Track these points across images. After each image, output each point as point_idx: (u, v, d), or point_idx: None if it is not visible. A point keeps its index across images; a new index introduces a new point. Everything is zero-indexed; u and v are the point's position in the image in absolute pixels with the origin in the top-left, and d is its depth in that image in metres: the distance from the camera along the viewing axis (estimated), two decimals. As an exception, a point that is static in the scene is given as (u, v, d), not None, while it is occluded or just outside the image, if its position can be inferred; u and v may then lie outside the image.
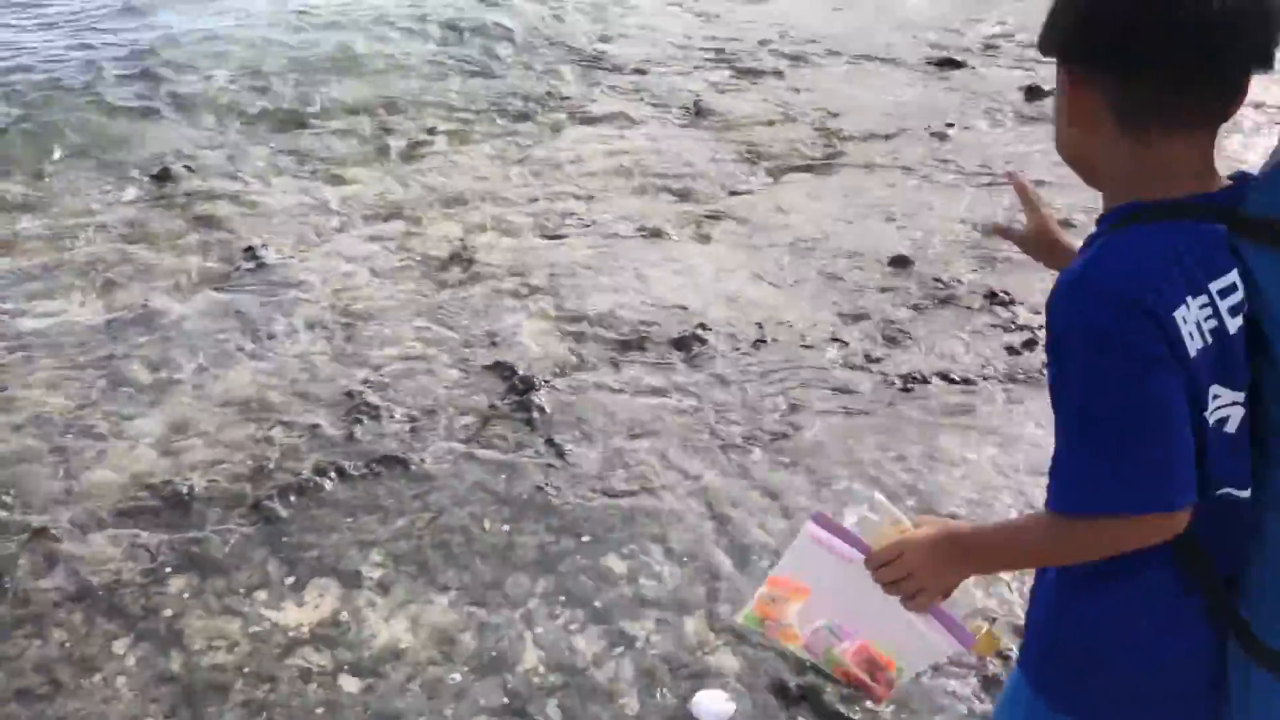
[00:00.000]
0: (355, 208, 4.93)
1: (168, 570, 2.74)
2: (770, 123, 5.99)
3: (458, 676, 2.46)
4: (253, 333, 3.87)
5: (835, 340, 3.80)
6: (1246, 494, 1.20)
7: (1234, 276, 1.16)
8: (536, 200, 5.02)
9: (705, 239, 4.65)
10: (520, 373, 3.58)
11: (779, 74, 6.76)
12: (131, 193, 5.06)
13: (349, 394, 3.49)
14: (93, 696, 2.38)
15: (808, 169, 5.39)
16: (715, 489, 3.05)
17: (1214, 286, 1.15)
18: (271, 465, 3.15)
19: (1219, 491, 1.19)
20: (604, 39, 7.40)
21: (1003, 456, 3.20)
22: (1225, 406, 1.17)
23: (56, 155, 5.42)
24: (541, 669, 2.49)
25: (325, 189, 5.12)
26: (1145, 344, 1.12)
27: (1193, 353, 1.14)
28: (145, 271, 4.33)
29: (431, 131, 5.80)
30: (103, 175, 5.23)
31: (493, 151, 5.59)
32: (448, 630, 2.58)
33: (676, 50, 7.18)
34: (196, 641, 2.53)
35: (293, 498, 2.99)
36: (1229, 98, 1.17)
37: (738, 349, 3.76)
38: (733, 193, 5.11)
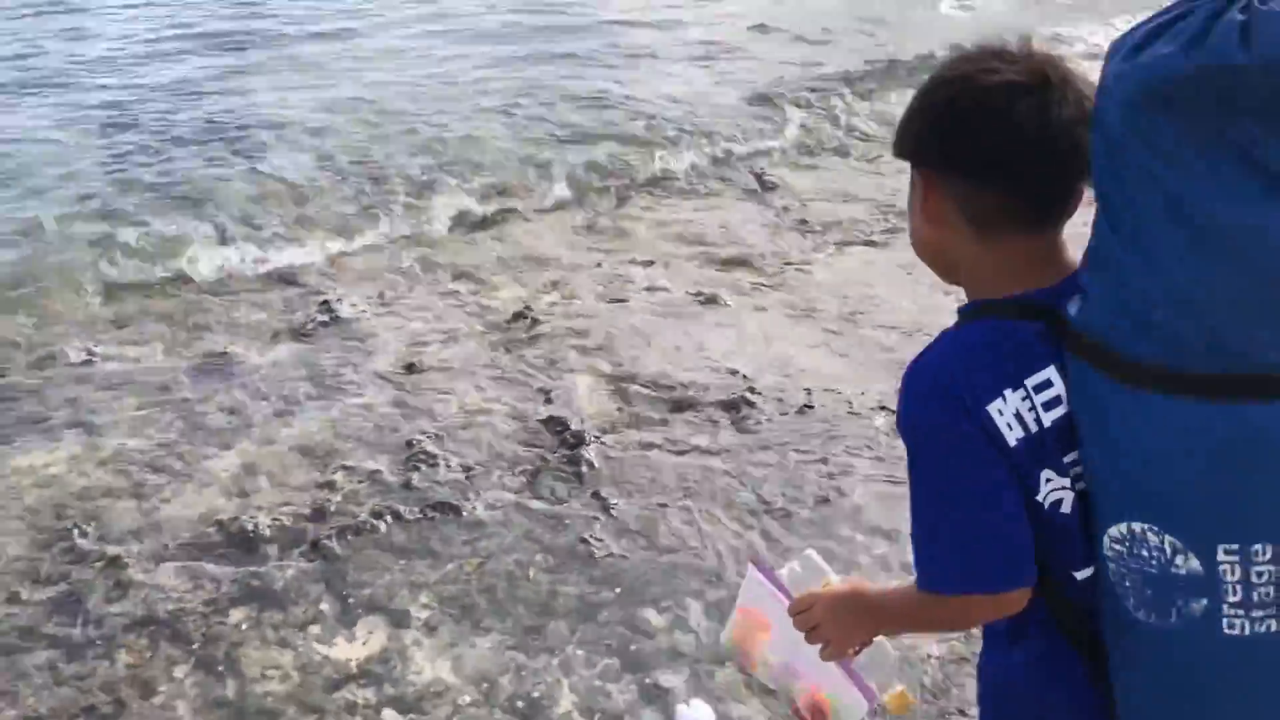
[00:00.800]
0: (428, 268, 5.16)
1: (229, 602, 2.90)
2: (831, 198, 6.13)
3: (496, 717, 2.57)
4: (322, 383, 4.07)
5: (883, 409, 3.88)
6: (1088, 573, 1.24)
7: (1050, 373, 1.21)
8: (600, 265, 5.20)
9: (761, 307, 4.77)
10: (572, 428, 3.71)
11: (844, 153, 6.93)
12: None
13: (409, 443, 3.65)
14: (151, 718, 2.53)
15: (868, 243, 5.52)
16: (754, 551, 3.13)
17: (1030, 382, 1.20)
18: (332, 507, 3.30)
19: (1069, 571, 1.24)
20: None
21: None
22: (1057, 490, 1.22)
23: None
24: (576, 715, 2.58)
25: (402, 252, 5.39)
26: (959, 432, 1.20)
27: (1013, 442, 1.20)
28: (226, 322, 4.59)
29: (503, 193, 6.05)
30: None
31: (562, 218, 5.81)
32: (488, 672, 2.69)
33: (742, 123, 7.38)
34: (251, 670, 2.67)
35: (350, 538, 3.14)
36: (1069, 202, 1.25)
37: (785, 413, 3.86)
38: (789, 263, 5.24)
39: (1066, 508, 1.22)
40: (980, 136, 1.21)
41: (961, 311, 1.31)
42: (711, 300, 4.79)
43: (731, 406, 3.88)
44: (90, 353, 4.33)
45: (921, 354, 1.28)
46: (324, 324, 4.56)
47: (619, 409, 3.89)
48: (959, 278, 1.32)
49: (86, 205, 5.89)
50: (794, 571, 1.64)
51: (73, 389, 4.02)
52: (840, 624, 1.47)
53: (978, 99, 1.21)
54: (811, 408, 3.89)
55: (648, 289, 4.93)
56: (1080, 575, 1.24)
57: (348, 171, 6.40)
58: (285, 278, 5.08)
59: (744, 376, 4.10)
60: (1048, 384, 1.21)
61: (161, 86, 8.00)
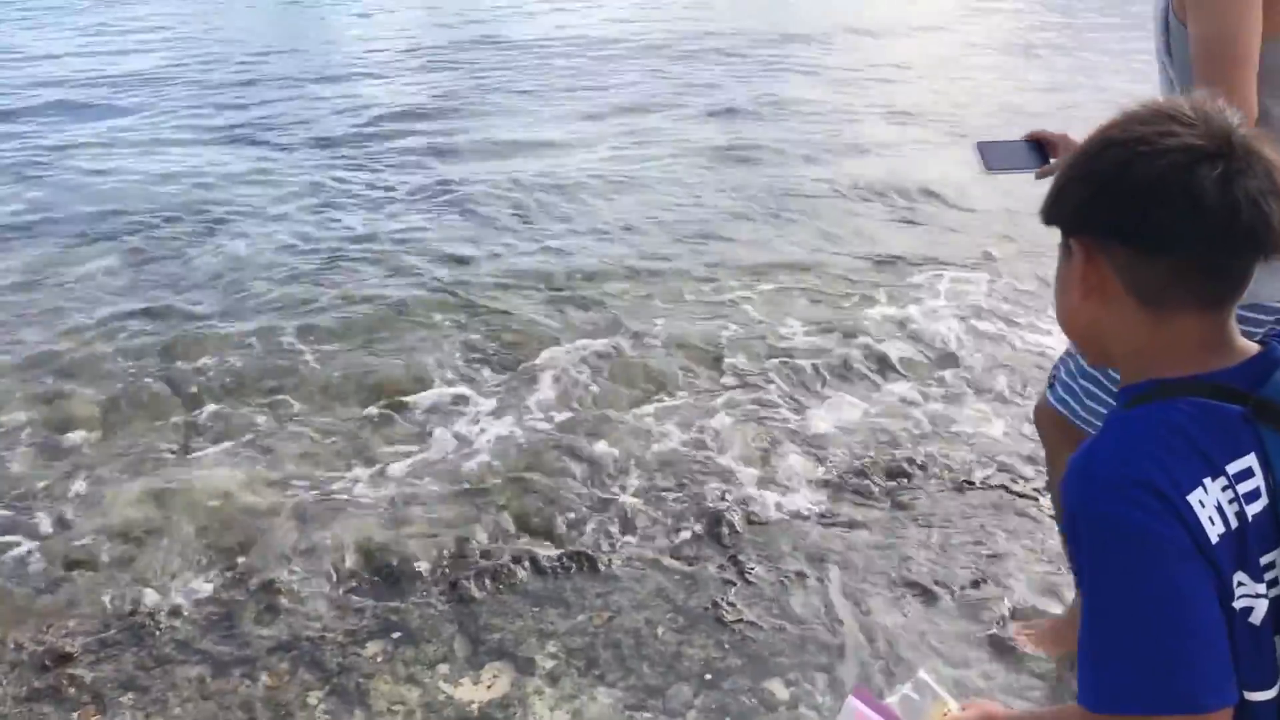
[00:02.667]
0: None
1: (367, 634, 3.00)
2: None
3: (606, 775, 2.56)
4: (477, 414, 4.20)
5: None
6: (1269, 696, 1.11)
7: (1251, 460, 1.10)
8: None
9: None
10: (719, 497, 3.68)
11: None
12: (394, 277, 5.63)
13: (556, 482, 3.71)
14: (281, 739, 2.64)
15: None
16: (891, 631, 3.01)
17: (1232, 469, 1.10)
18: (474, 546, 3.38)
19: (1242, 692, 1.11)
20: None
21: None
22: (1249, 596, 1.10)
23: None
24: (687, 782, 2.54)
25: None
26: (1156, 527, 1.07)
27: (1214, 538, 1.08)
28: (406, 350, 4.81)
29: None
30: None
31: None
32: (604, 729, 2.68)
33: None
34: (379, 703, 2.75)
35: (487, 581, 3.20)
36: (1247, 279, 1.15)
37: (944, 489, 3.71)
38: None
39: (1256, 618, 1.10)
40: (1156, 205, 1.10)
41: (1130, 392, 1.20)
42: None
43: (891, 475, 3.78)
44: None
45: (1095, 441, 1.15)
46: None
47: (772, 468, 3.85)
48: (1116, 358, 1.23)
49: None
50: (907, 699, 1.50)
51: (260, 416, 4.28)
52: None
53: (1154, 163, 1.11)
54: (972, 484, 3.73)
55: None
56: (1259, 698, 1.12)
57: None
58: (468, 306, 5.28)
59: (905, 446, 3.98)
60: (1249, 473, 1.11)
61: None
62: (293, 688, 2.81)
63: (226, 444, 4.04)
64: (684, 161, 8.22)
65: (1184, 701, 1.07)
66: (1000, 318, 5.24)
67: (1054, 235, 1.27)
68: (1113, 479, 1.10)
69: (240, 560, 3.32)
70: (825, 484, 3.76)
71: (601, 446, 3.99)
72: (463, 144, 8.77)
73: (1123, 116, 1.17)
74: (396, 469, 3.86)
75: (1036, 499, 3.64)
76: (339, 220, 6.82)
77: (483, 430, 4.14)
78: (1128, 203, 1.13)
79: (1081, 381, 2.46)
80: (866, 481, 3.76)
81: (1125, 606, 1.09)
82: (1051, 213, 1.22)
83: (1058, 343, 4.48)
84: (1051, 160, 2.63)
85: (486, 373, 4.65)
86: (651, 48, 13.36)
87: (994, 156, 2.66)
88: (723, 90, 10.83)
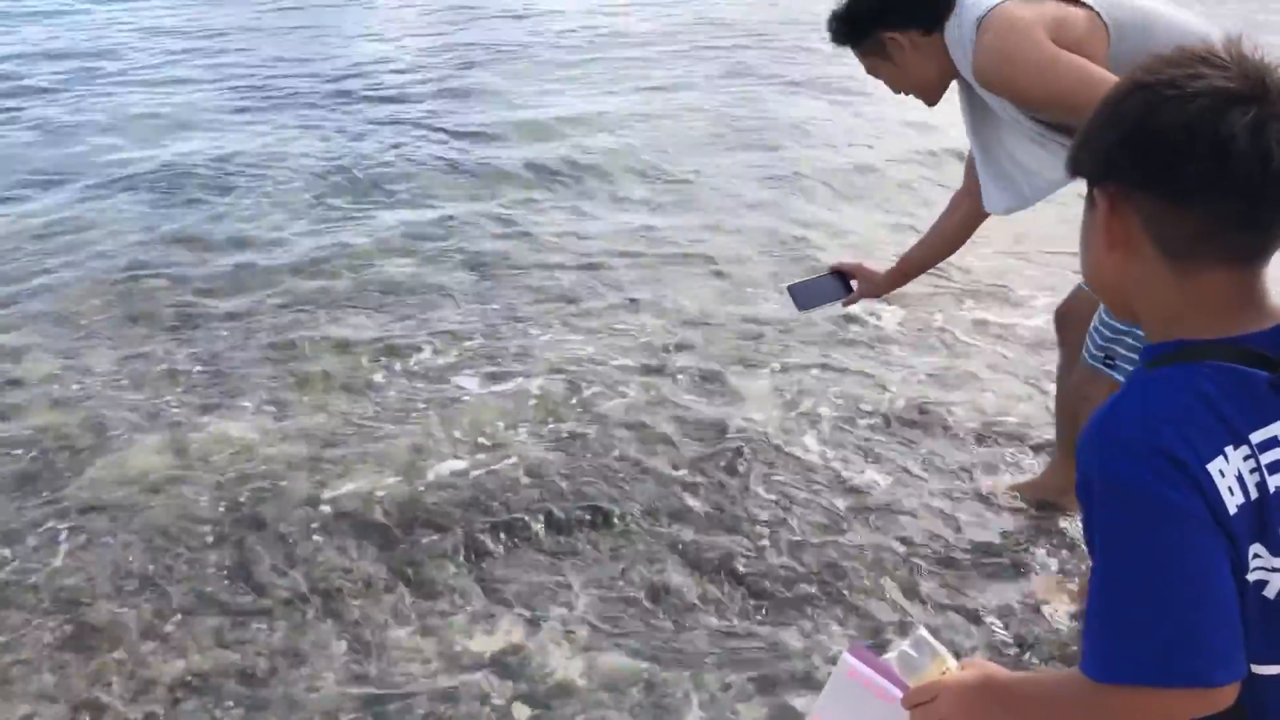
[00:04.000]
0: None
1: (383, 585, 3.01)
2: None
3: (622, 721, 2.58)
4: (494, 367, 4.22)
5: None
6: (1272, 670, 1.09)
7: (1277, 429, 1.07)
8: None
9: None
10: (733, 435, 3.69)
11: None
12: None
13: (572, 436, 3.72)
14: (298, 686, 2.66)
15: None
16: (909, 584, 3.01)
17: (1255, 438, 1.06)
18: (490, 498, 3.39)
19: (1249, 665, 1.08)
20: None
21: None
22: (1264, 570, 1.07)
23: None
24: (700, 731, 2.56)
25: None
26: (1173, 496, 1.03)
27: (1233, 509, 1.04)
28: (421, 307, 4.81)
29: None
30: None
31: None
32: (619, 680, 2.69)
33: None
34: (394, 652, 2.77)
35: (501, 532, 3.22)
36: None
37: (961, 440, 3.71)
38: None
39: (1271, 591, 1.08)
40: (1184, 151, 1.05)
41: (1154, 351, 1.15)
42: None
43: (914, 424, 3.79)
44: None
45: (1115, 403, 1.11)
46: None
47: (788, 417, 3.85)
48: (1139, 314, 1.18)
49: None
50: (905, 655, 1.45)
51: (270, 368, 4.29)
52: (971, 716, 1.28)
53: (1181, 108, 1.05)
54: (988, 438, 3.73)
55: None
56: (1266, 671, 1.10)
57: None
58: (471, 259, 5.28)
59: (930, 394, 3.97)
60: (1274, 443, 1.07)
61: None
62: (310, 636, 2.83)
63: (242, 399, 4.05)
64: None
65: (1193, 676, 1.04)
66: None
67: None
68: (1131, 445, 1.07)
69: (258, 510, 3.34)
70: (847, 434, 3.76)
71: (615, 402, 3.99)
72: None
73: (1153, 59, 1.12)
74: (411, 424, 3.86)
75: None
76: (356, 181, 6.80)
77: (496, 384, 4.14)
78: (1153, 149, 1.08)
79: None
80: (885, 433, 3.76)
81: (1136, 576, 1.05)
82: (1076, 161, 1.18)
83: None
84: (854, 285, 3.03)
85: (503, 329, 4.64)
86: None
87: (804, 297, 2.99)
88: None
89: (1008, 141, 2.60)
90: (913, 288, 3.49)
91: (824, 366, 4.27)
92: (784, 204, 6.44)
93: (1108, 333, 2.61)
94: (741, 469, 3.53)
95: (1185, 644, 1.03)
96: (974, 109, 2.64)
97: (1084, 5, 2.36)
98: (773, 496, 3.41)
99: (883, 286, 3.04)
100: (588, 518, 3.30)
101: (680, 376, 4.20)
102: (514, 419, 3.88)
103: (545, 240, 5.77)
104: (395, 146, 7.44)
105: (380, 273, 5.28)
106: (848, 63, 2.88)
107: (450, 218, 6.06)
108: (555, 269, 5.33)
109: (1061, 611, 2.88)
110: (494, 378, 4.20)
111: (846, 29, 2.62)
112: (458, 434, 3.78)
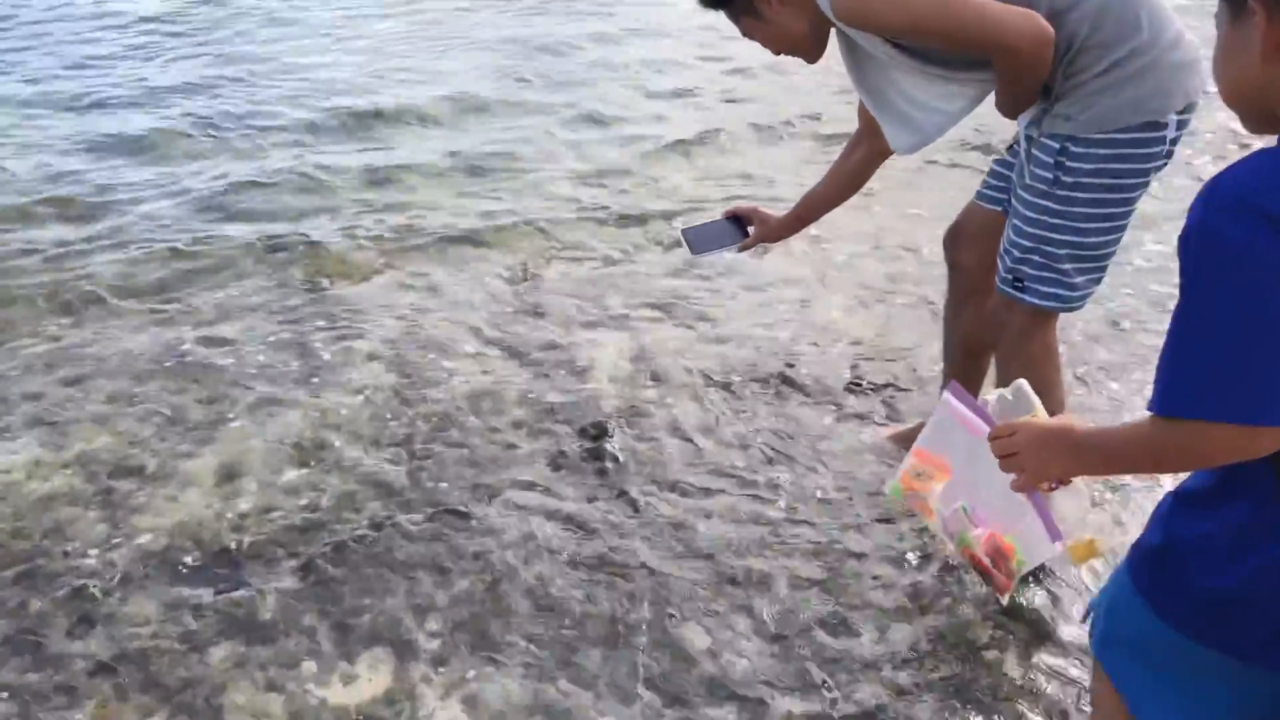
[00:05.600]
0: (423, 229, 4.73)
1: (209, 636, 2.52)
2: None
3: (520, 767, 2.21)
4: (312, 366, 3.67)
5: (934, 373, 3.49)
6: None
7: None
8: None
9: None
10: (592, 413, 3.32)
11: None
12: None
13: (409, 435, 3.26)
14: (119, 785, 2.17)
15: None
16: (810, 551, 2.75)
17: None
18: (325, 516, 2.92)
19: None
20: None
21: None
22: None
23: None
24: (613, 762, 2.23)
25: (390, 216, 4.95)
26: (1260, 248, 1.10)
27: None
28: (206, 291, 4.18)
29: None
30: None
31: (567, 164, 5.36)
32: (508, 713, 2.32)
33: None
34: (238, 719, 2.30)
35: (346, 554, 2.76)
36: None
37: (826, 396, 3.47)
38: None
39: None
40: None
41: None
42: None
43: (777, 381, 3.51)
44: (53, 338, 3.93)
45: (1231, 166, 1.17)
46: (311, 298, 4.15)
47: (647, 385, 3.50)
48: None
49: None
50: (1002, 399, 1.56)
51: (34, 381, 3.62)
52: (1041, 454, 1.44)
53: None
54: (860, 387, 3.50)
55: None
56: None
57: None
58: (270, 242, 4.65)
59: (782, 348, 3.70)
60: None
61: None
62: (127, 714, 2.32)
63: (8, 421, 3.39)
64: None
65: (1240, 411, 1.14)
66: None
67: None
68: (1230, 199, 1.13)
69: (40, 564, 2.75)
70: (715, 398, 3.46)
71: (454, 386, 3.55)
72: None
73: None
74: (218, 434, 3.32)
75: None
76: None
77: (314, 379, 3.62)
78: None
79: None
80: (752, 390, 3.48)
81: (1208, 315, 1.14)
82: None
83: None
84: (750, 230, 2.91)
85: (315, 316, 4.10)
86: None
87: (699, 241, 2.90)
88: None
89: (901, 81, 2.43)
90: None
91: (679, 323, 3.96)
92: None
93: (1016, 253, 2.44)
94: (609, 446, 3.18)
95: (1239, 381, 1.14)
96: (855, 56, 2.48)
97: None
98: (647, 468, 3.08)
99: (779, 230, 2.92)
100: (441, 522, 2.89)
101: (524, 350, 3.79)
102: (341, 420, 3.38)
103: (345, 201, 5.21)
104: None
105: (155, 265, 4.61)
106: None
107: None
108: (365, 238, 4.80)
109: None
110: (312, 372, 3.67)
111: None
112: (276, 444, 3.26)
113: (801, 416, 3.36)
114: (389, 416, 3.38)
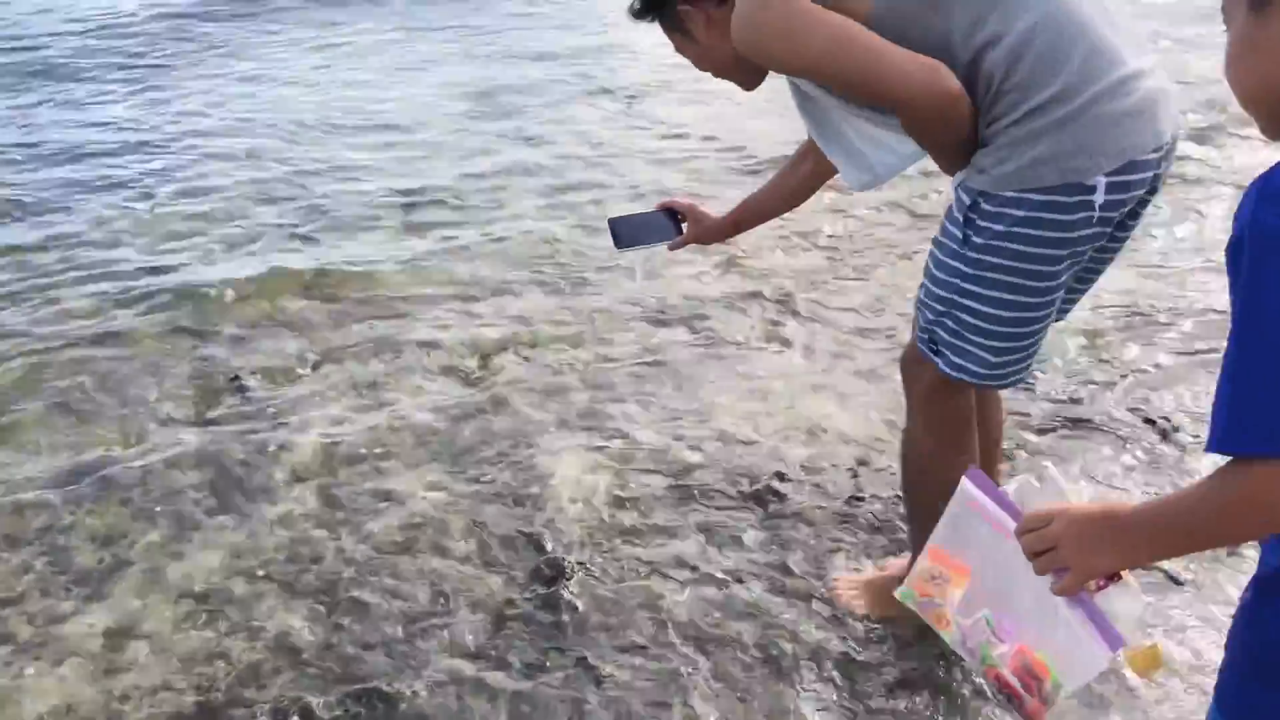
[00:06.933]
0: (359, 313, 4.25)
1: None
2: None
3: None
4: (225, 491, 3.17)
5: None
6: None
7: None
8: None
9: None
10: (548, 549, 2.83)
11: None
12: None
13: (332, 584, 2.76)
14: None
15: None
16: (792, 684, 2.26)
17: None
18: (221, 695, 2.42)
19: None
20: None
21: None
22: None
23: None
24: None
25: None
26: None
27: None
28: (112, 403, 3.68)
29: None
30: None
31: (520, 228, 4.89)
32: None
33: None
34: None
35: (251, 755, 2.26)
36: None
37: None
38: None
39: None
40: None
41: None
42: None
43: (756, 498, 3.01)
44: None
45: (1275, 165, 1.00)
46: (232, 404, 3.65)
47: (612, 511, 3.00)
48: None
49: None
50: (1026, 485, 1.37)
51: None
52: (1085, 545, 1.20)
53: None
54: (863, 499, 3.00)
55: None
56: None
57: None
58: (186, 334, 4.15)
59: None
60: None
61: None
62: None
63: None
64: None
65: None
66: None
67: None
68: None
69: None
70: (690, 516, 2.96)
71: (384, 516, 3.05)
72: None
73: None
74: (99, 583, 2.81)
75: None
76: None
77: (213, 508, 3.12)
78: None
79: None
80: (733, 514, 2.98)
81: (1276, 324, 0.96)
82: None
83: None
84: (684, 226, 2.65)
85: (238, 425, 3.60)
86: None
87: (626, 233, 2.61)
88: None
89: (849, 116, 2.13)
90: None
91: (653, 420, 3.47)
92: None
93: (929, 314, 2.11)
94: (566, 592, 2.68)
95: None
96: (797, 84, 2.16)
97: None
98: (610, 622, 2.59)
99: (714, 233, 2.67)
100: (361, 708, 2.38)
101: (473, 464, 3.30)
102: (255, 563, 2.88)
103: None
104: None
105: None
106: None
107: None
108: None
109: None
110: (229, 498, 3.15)
111: (640, 2, 2.19)
112: (171, 599, 2.75)
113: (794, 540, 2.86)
114: (309, 558, 2.87)
